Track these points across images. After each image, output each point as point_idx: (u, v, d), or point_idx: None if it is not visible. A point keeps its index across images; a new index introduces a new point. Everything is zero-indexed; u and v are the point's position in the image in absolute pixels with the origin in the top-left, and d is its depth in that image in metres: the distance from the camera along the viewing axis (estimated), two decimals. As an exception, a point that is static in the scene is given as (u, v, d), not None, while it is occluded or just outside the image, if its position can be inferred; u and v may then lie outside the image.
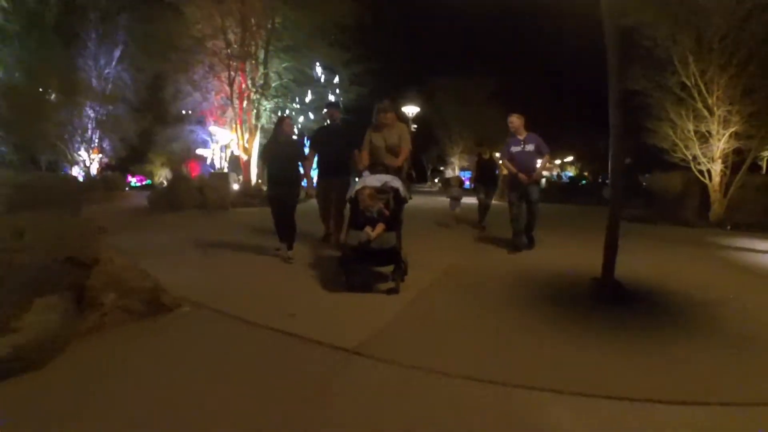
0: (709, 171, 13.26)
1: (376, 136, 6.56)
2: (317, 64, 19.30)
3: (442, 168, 45.13)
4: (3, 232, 3.06)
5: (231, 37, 16.64)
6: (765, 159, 27.26)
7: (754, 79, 12.53)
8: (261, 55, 17.16)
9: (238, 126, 17.86)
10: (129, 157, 29.18)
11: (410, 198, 5.55)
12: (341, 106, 7.97)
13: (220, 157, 24.00)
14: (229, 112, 18.47)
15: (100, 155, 27.29)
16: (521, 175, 7.25)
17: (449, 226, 10.86)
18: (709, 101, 12.95)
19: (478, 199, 10.86)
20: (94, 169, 23.86)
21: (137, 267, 3.95)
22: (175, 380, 2.77)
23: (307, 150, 7.37)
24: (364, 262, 4.97)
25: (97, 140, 26.07)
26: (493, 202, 11.10)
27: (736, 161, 13.21)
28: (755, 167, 24.96)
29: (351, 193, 5.33)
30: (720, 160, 13.08)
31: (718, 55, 12.76)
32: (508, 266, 6.24)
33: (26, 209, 3.24)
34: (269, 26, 17.02)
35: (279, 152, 6.65)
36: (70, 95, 19.77)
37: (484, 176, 11.04)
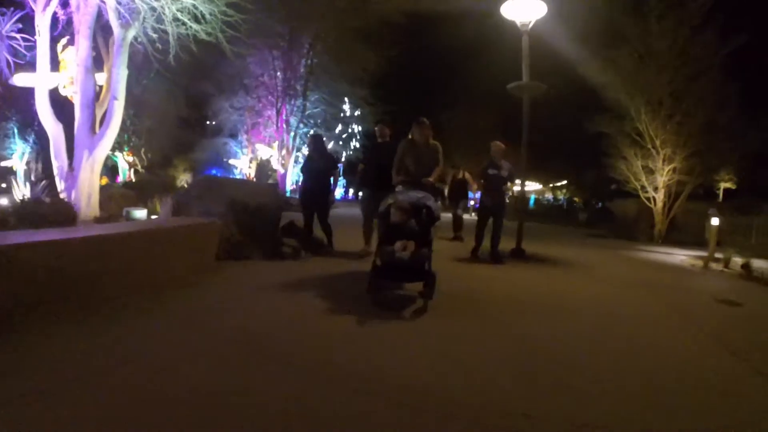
0: (654, 198, 16.79)
1: (409, 151, 6.37)
2: (345, 99, 23.11)
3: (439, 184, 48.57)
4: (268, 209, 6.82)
5: (279, 74, 20.35)
6: (720, 188, 31.13)
7: (694, 128, 16.07)
8: (300, 88, 20.86)
9: (278, 144, 21.47)
10: (157, 162, 33.00)
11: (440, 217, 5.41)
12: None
13: (249, 167, 27.83)
14: (269, 132, 22.10)
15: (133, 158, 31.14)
16: (487, 197, 8.52)
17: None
18: (657, 143, 16.49)
19: (453, 214, 11.90)
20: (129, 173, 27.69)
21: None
22: (321, 265, 6.57)
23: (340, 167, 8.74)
24: (393, 278, 4.93)
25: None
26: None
27: (679, 191, 16.71)
28: (713, 196, 28.67)
29: (382, 207, 5.19)
30: (663, 190, 16.62)
31: (666, 107, 16.35)
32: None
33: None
34: (308, 65, 20.72)
35: (312, 167, 7.80)
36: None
37: (458, 193, 12.17)
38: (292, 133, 21.36)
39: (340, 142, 24.82)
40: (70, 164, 8.57)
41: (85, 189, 8.49)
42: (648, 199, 16.94)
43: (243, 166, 28.33)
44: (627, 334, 4.21)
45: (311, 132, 20.54)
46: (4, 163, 21.35)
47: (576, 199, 49.57)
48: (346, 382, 2.70)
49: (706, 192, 23.43)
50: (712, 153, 16.37)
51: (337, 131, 24.23)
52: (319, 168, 7.74)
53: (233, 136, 28.85)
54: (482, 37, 27.32)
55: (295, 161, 22.53)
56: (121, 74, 8.62)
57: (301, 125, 21.37)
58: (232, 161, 30.26)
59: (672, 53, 16.30)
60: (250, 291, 4.96)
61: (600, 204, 40.20)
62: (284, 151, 21.55)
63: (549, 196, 51.44)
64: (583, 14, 18.30)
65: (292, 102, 20.97)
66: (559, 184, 47.70)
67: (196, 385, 2.58)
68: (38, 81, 8.43)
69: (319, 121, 23.11)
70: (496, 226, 8.33)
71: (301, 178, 9.29)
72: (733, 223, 14.75)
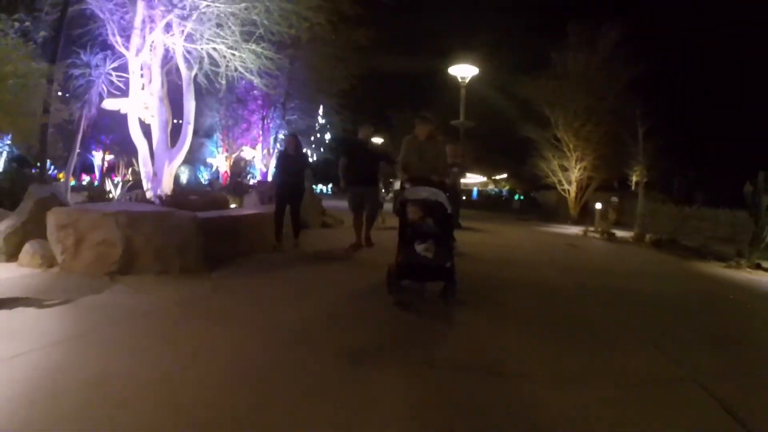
0: (568, 190, 21.52)
1: (413, 148, 6.19)
2: (320, 110, 27.00)
3: (391, 180, 52.64)
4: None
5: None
6: (633, 180, 36.68)
7: (600, 136, 20.86)
8: (281, 99, 24.50)
9: (261, 147, 25.04)
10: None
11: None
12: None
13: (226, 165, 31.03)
14: (253, 135, 25.62)
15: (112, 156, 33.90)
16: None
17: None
18: (571, 147, 21.18)
19: None
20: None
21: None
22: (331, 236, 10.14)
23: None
24: (416, 278, 4.88)
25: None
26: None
27: (588, 184, 21.50)
28: (627, 187, 33.99)
29: (396, 205, 5.17)
30: (575, 184, 21.35)
31: (579, 120, 21.04)
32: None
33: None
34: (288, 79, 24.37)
35: (288, 164, 8.13)
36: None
37: None
38: (272, 137, 24.97)
39: (313, 145, 28.47)
40: (153, 171, 12.11)
41: (166, 188, 12.02)
42: (564, 190, 21.69)
43: (220, 164, 31.51)
44: (511, 252, 8.72)
45: (287, 132, 23.99)
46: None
47: (517, 190, 54.99)
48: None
49: (621, 184, 28.36)
50: (614, 156, 21.32)
51: (316, 129, 27.84)
52: (294, 165, 8.09)
53: (209, 136, 32.12)
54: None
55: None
56: (191, 105, 12.02)
57: (281, 130, 24.91)
58: (209, 159, 33.40)
59: (584, 78, 21.05)
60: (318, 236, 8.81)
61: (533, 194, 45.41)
62: (266, 152, 25.13)
63: (493, 188, 56.59)
64: (517, 45, 22.96)
65: (273, 110, 24.57)
66: (499, 177, 52.53)
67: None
68: (131, 108, 11.62)
69: (294, 127, 26.71)
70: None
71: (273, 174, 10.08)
72: (629, 206, 19.68)
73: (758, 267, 8.66)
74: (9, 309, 3.82)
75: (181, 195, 10.13)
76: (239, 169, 30.41)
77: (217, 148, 31.07)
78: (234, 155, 29.15)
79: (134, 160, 23.54)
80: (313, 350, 3.39)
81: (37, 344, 3.11)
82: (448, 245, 4.85)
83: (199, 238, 5.68)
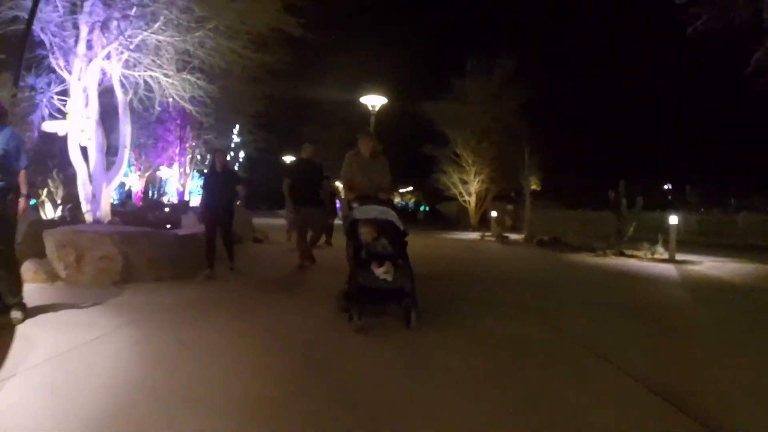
0: (468, 201, 24.08)
1: (357, 165, 5.88)
2: (234, 130, 27.89)
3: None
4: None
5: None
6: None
7: (496, 152, 23.56)
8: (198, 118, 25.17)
9: (178, 166, 25.55)
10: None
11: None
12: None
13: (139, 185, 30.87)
14: (170, 154, 26.02)
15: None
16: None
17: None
18: (470, 162, 23.75)
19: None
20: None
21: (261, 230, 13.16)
22: (266, 250, 11.68)
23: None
24: (375, 302, 4.74)
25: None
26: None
27: (486, 195, 24.17)
28: (522, 195, 37.59)
29: (345, 225, 5.06)
30: (475, 195, 23.95)
31: (476, 136, 23.65)
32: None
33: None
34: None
35: (217, 181, 7.61)
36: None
37: (330, 202, 13.11)
38: (189, 156, 25.62)
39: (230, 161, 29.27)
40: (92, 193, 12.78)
41: (105, 209, 12.73)
42: (464, 201, 24.27)
43: (133, 183, 31.25)
44: (427, 251, 10.41)
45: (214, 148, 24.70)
46: None
47: (422, 202, 57.93)
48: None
49: (517, 193, 31.59)
50: (508, 170, 24.06)
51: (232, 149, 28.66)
52: (224, 184, 7.63)
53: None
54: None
55: (194, 177, 26.70)
56: (126, 129, 12.63)
57: (197, 151, 25.63)
58: (123, 179, 32.99)
59: (482, 102, 23.71)
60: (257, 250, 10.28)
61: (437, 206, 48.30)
62: (182, 171, 25.69)
63: (400, 201, 59.20)
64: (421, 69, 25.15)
65: (190, 129, 25.22)
66: (404, 190, 55.11)
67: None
68: (71, 130, 11.89)
69: (211, 146, 27.41)
70: None
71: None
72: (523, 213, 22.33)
73: (621, 254, 11.52)
74: (55, 311, 4.91)
75: (140, 215, 11.00)
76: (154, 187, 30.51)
77: (129, 167, 30.87)
78: (147, 174, 29.21)
79: (49, 180, 23.26)
80: (307, 315, 5.00)
81: (106, 330, 4.26)
82: (406, 266, 4.71)
83: (181, 252, 6.98)
